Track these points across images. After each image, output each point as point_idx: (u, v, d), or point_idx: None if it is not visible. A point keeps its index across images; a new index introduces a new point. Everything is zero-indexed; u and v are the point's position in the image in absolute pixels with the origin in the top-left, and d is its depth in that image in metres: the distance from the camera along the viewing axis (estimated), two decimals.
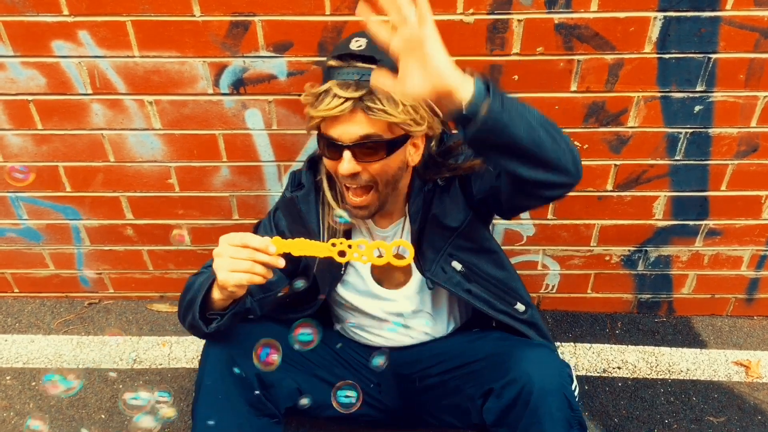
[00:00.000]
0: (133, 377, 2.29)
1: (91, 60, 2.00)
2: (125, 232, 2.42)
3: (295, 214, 1.69)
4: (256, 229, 1.78)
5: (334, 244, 1.35)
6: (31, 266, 2.56)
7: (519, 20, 1.88)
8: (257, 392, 1.66)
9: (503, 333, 1.78)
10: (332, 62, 1.42)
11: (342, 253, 1.36)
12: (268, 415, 1.71)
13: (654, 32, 1.90)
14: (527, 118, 1.20)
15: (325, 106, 1.39)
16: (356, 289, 1.78)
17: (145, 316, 2.58)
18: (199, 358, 1.68)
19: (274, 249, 1.35)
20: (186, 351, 2.39)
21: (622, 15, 1.88)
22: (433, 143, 1.59)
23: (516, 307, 1.77)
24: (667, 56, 1.95)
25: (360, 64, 1.39)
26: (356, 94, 1.36)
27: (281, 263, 1.37)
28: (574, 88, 2.01)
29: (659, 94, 2.03)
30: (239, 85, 2.03)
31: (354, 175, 1.46)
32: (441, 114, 1.38)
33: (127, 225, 2.40)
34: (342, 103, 1.37)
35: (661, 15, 1.87)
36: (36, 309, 2.62)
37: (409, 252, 1.36)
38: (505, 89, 1.98)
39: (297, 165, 2.20)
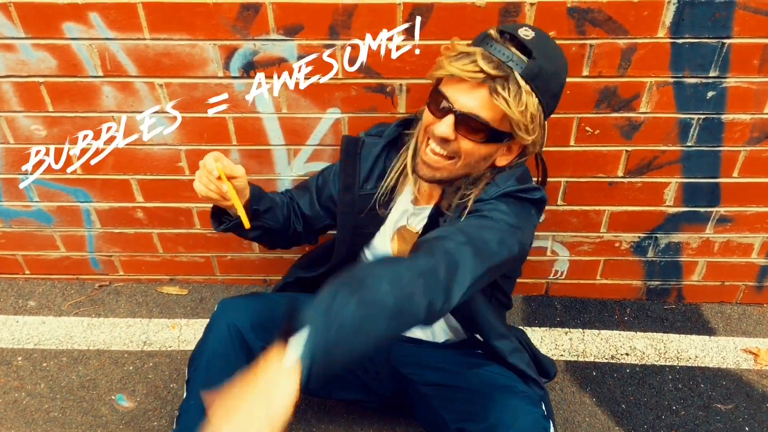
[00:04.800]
0: (143, 359, 2.31)
1: (102, 42, 1.99)
2: (135, 214, 2.43)
3: (352, 153, 1.72)
4: (317, 178, 1.86)
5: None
6: (42, 248, 2.58)
7: (531, 3, 1.86)
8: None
9: (501, 368, 1.75)
10: (492, 32, 1.41)
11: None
12: None
13: (668, 16, 1.89)
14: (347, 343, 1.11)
15: (460, 66, 1.38)
16: (379, 247, 1.81)
17: (155, 299, 2.59)
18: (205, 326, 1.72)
19: (216, 173, 1.47)
20: (196, 333, 2.41)
21: None
22: (516, 161, 1.58)
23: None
24: (680, 41, 1.93)
25: (514, 50, 1.37)
26: (493, 72, 1.36)
27: (222, 188, 1.50)
28: (586, 72, 2.00)
29: (672, 80, 2.01)
30: (249, 68, 2.03)
31: (444, 141, 1.46)
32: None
33: (138, 208, 2.41)
34: (476, 72, 1.37)
35: None
36: (47, 291, 2.64)
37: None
38: None
39: (307, 149, 2.21)
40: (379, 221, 1.75)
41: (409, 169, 1.63)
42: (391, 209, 1.74)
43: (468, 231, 1.38)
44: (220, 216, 1.70)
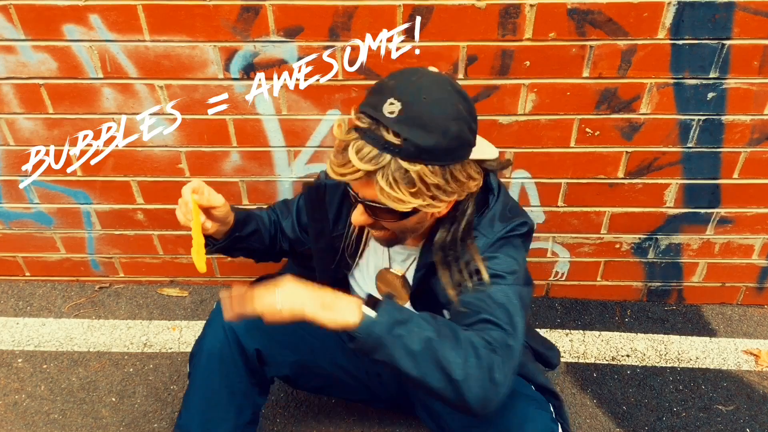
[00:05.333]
0: (144, 361, 2.31)
1: (102, 44, 2.00)
2: (136, 216, 2.43)
3: (316, 201, 1.66)
4: (297, 201, 1.81)
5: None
6: (43, 250, 2.58)
7: (531, 5, 1.87)
8: (255, 363, 1.70)
9: None
10: (361, 119, 1.25)
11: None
12: (258, 384, 1.74)
13: (668, 18, 1.89)
14: (417, 359, 1.25)
15: (339, 166, 1.27)
16: (361, 286, 1.78)
17: (155, 300, 2.59)
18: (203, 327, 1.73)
19: (191, 206, 1.46)
20: (196, 335, 2.39)
21: (635, 0, 1.86)
22: (470, 201, 1.41)
23: None
24: (680, 42, 1.93)
25: (387, 136, 1.21)
26: (371, 168, 1.23)
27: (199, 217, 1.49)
28: (586, 74, 2.00)
29: (672, 81, 2.01)
30: (249, 70, 2.03)
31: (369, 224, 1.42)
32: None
33: (138, 209, 2.41)
34: (355, 172, 1.24)
35: (675, 0, 1.86)
36: (47, 292, 2.64)
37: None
38: (518, 75, 1.98)
39: (307, 150, 2.21)
40: (356, 259, 1.72)
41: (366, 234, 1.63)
42: (363, 252, 1.70)
43: (507, 307, 1.37)
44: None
